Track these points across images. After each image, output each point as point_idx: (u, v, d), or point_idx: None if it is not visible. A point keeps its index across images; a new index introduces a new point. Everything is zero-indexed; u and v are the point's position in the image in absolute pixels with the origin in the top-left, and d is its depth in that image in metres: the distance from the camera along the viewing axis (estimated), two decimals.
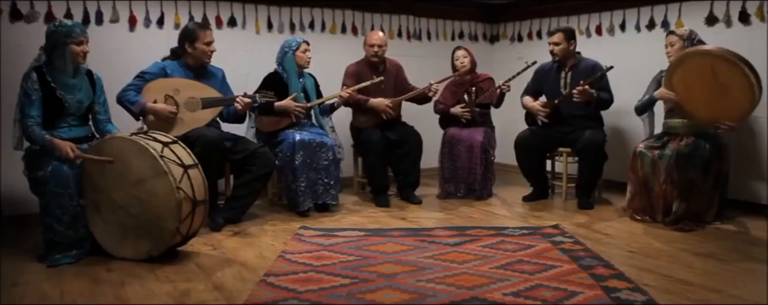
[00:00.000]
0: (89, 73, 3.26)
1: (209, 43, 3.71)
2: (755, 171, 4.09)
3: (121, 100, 3.50)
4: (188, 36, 3.68)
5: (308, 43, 4.18)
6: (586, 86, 4.01)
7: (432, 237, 3.44)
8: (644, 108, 4.00)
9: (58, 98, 3.06)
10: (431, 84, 4.41)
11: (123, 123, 3.39)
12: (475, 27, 5.99)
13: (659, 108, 4.07)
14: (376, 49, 4.38)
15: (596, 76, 4.11)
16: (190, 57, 3.72)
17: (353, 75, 4.41)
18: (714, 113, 3.55)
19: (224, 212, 3.71)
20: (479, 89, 4.60)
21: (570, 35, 4.28)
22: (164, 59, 3.77)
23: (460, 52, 4.62)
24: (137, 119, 3.57)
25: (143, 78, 3.57)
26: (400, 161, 4.47)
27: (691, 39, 3.75)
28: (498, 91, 4.45)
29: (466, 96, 4.61)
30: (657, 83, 3.95)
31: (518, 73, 4.39)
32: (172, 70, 3.68)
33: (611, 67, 4.08)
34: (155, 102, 3.52)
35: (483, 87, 4.60)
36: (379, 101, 4.34)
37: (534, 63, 4.44)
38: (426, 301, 2.46)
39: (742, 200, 4.11)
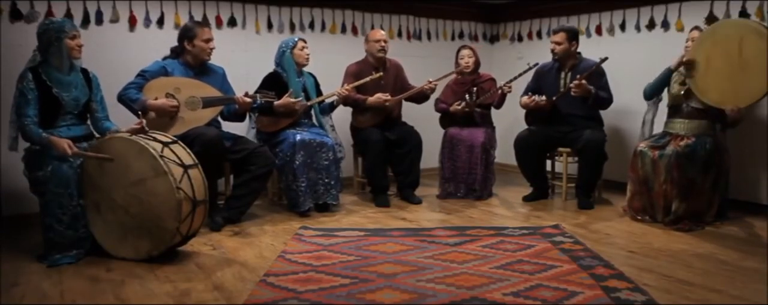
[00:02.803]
0: (84, 71, 3.26)
1: (208, 41, 3.72)
2: (755, 171, 4.08)
3: (122, 98, 3.50)
4: (187, 33, 3.70)
5: (305, 41, 4.19)
6: (583, 81, 4.01)
7: (432, 237, 3.44)
8: (655, 88, 3.94)
9: (55, 96, 3.06)
10: (430, 82, 4.41)
11: (121, 121, 3.38)
12: (475, 27, 5.99)
13: (662, 109, 4.06)
14: (382, 43, 4.39)
15: (592, 69, 4.09)
16: (190, 55, 3.73)
17: (354, 74, 4.41)
18: (725, 95, 3.50)
19: (224, 212, 3.71)
20: (480, 89, 4.60)
21: (572, 35, 4.27)
22: (165, 58, 3.78)
23: (465, 52, 4.62)
24: (138, 116, 3.57)
25: (144, 76, 3.58)
26: (399, 161, 4.47)
27: None
28: (499, 92, 4.45)
29: (467, 96, 4.61)
30: (669, 71, 3.92)
31: (520, 75, 4.39)
32: (172, 69, 3.69)
33: (606, 59, 4.04)
34: (156, 99, 3.52)
35: (485, 88, 4.60)
36: (376, 97, 4.34)
37: (535, 65, 4.43)
38: (426, 301, 2.46)
39: (742, 200, 4.11)
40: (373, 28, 5.18)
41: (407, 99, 4.54)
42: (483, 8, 5.91)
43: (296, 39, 4.16)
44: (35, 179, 3.03)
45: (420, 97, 4.56)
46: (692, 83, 3.66)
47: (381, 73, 4.32)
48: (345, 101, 4.34)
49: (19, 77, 3.05)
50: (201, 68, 3.80)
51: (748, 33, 3.41)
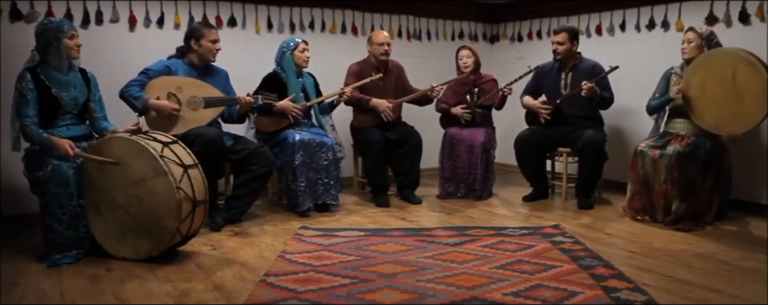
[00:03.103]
0: (83, 71, 3.26)
1: (214, 42, 3.73)
2: (755, 171, 4.08)
3: (124, 95, 3.49)
4: (194, 33, 3.70)
5: (306, 43, 4.18)
6: (593, 84, 4.02)
7: (432, 237, 3.44)
8: (658, 108, 3.96)
9: (54, 96, 3.06)
10: (433, 87, 4.41)
11: (120, 120, 3.39)
12: (475, 27, 5.99)
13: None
14: (386, 47, 4.39)
15: (601, 76, 4.11)
16: (196, 55, 3.73)
17: (355, 74, 4.41)
18: (720, 120, 3.55)
19: (224, 212, 3.71)
20: (482, 90, 4.60)
21: (574, 35, 4.27)
22: (170, 58, 3.78)
23: (464, 52, 4.61)
24: (140, 115, 3.57)
25: (147, 74, 3.57)
26: (400, 161, 4.47)
27: (710, 40, 3.73)
28: (500, 93, 4.45)
29: (468, 97, 4.61)
30: (666, 80, 3.94)
31: (520, 77, 4.40)
32: (176, 69, 3.69)
33: (616, 67, 4.07)
34: (158, 99, 3.52)
35: (486, 88, 4.60)
36: (380, 102, 4.34)
37: (535, 67, 4.45)
38: (426, 301, 2.46)
39: (742, 200, 4.11)
40: (373, 28, 5.19)
41: (409, 101, 4.54)
42: (483, 8, 5.91)
43: (298, 40, 4.16)
44: (35, 179, 3.03)
45: (424, 100, 4.56)
46: (688, 109, 3.70)
47: (380, 75, 4.32)
48: (348, 101, 4.34)
49: (17, 77, 3.06)
50: (205, 69, 3.80)
51: (740, 62, 3.45)
